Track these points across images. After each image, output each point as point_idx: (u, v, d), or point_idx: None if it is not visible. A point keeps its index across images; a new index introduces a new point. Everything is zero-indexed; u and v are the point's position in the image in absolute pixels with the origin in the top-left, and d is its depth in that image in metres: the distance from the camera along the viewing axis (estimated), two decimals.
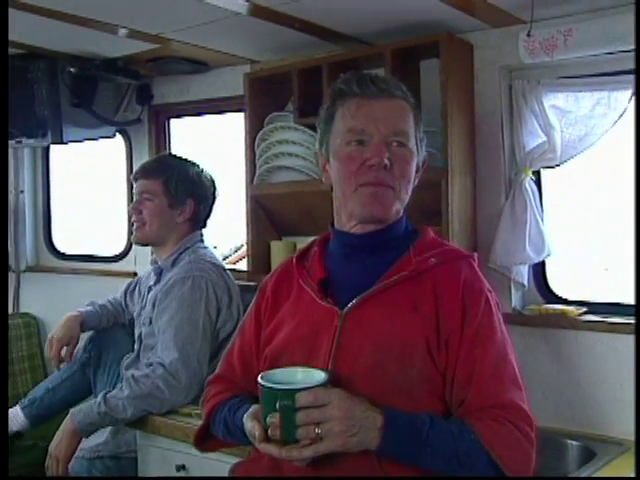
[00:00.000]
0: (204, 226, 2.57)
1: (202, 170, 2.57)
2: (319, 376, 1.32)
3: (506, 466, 1.31)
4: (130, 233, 2.60)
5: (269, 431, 1.28)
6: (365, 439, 1.27)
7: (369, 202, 1.44)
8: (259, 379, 1.31)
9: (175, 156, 2.68)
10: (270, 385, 1.29)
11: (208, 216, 2.58)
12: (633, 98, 1.98)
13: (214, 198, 2.58)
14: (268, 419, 1.28)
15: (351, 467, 1.33)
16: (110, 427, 2.30)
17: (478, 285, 1.45)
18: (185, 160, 2.60)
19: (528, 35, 2.01)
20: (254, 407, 1.38)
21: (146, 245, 2.61)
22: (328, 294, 1.47)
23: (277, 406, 1.26)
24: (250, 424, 1.34)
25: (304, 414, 1.25)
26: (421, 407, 1.35)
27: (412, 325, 1.39)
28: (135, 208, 2.48)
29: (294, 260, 1.59)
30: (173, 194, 2.47)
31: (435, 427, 1.31)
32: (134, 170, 2.59)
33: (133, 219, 2.50)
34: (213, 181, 2.59)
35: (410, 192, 1.49)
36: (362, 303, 1.42)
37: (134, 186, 2.53)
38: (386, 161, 1.41)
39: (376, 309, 1.42)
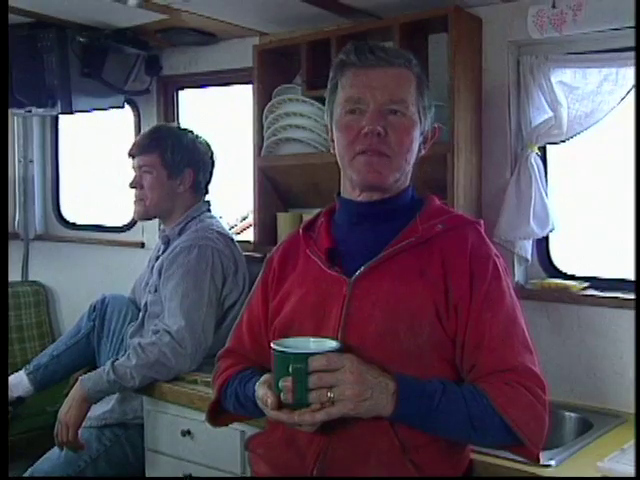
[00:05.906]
0: (206, 192, 2.60)
1: (196, 137, 2.58)
2: (331, 344, 1.34)
3: (520, 429, 1.32)
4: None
5: (281, 396, 1.28)
6: (377, 405, 1.28)
7: (364, 170, 1.45)
8: (272, 345, 1.31)
9: (168, 126, 2.68)
10: (283, 349, 1.30)
11: (209, 182, 2.61)
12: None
13: (212, 163, 2.61)
14: (280, 383, 1.27)
15: (364, 433, 1.35)
16: (117, 395, 2.34)
17: (485, 250, 1.46)
18: (178, 129, 2.62)
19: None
20: (265, 375, 1.38)
21: (148, 219, 2.64)
22: (335, 263, 1.48)
23: (290, 370, 1.26)
24: (262, 391, 1.34)
25: (317, 377, 1.26)
26: (431, 373, 1.36)
27: (420, 291, 1.40)
28: (136, 183, 2.50)
29: (301, 231, 1.59)
30: (171, 164, 2.49)
31: (447, 392, 1.32)
32: (130, 147, 2.57)
33: (135, 194, 2.52)
34: (209, 146, 2.61)
35: (412, 161, 1.49)
36: (370, 271, 1.43)
37: (132, 163, 2.54)
38: (379, 129, 1.41)
39: (384, 276, 1.42)
